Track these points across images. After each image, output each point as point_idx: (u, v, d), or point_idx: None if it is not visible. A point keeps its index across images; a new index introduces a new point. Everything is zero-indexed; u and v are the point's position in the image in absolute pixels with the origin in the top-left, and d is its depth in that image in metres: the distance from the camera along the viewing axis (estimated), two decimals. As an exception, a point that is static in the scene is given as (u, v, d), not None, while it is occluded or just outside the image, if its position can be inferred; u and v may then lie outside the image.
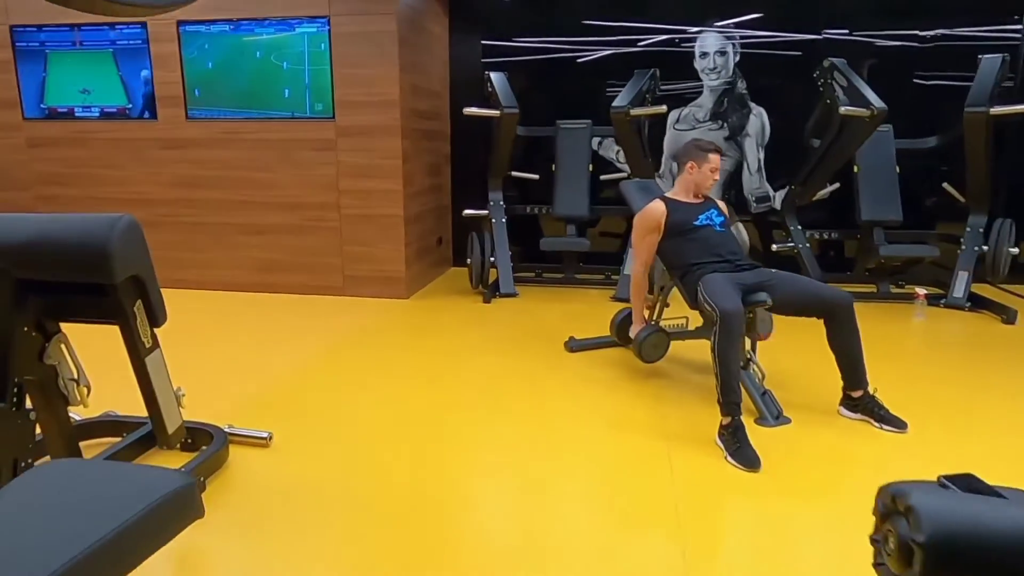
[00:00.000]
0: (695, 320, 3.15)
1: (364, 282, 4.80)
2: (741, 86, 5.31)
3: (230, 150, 4.79)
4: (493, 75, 4.79)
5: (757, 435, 2.44)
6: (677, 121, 5.45)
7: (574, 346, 3.61)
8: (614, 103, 4.41)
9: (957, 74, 4.96)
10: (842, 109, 4.08)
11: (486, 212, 5.05)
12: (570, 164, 5.17)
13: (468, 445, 2.55)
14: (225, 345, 3.79)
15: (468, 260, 4.88)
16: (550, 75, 5.56)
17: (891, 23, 5.07)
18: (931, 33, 5.05)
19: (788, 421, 2.68)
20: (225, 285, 4.98)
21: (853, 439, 2.57)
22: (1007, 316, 4.14)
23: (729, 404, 2.42)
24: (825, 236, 5.10)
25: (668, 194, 3.12)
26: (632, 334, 3.11)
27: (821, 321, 2.68)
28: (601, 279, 5.29)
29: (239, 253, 4.94)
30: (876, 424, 2.63)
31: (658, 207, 3.00)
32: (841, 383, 2.72)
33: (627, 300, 4.51)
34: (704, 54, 5.31)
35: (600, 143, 5.56)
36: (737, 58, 5.28)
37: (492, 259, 4.93)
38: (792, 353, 3.47)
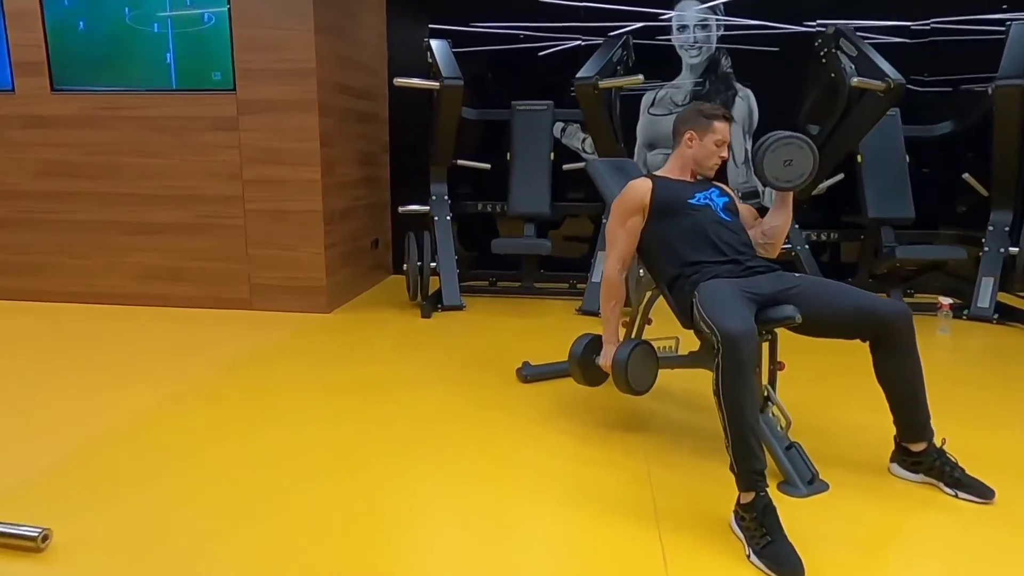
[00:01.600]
0: (688, 342, 2.35)
1: (276, 293, 3.92)
2: (725, 64, 4.59)
3: (107, 130, 3.88)
4: (434, 43, 3.98)
5: (784, 509, 1.64)
6: (652, 105, 4.71)
7: (528, 374, 2.79)
8: (578, 74, 3.63)
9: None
10: (853, 80, 3.36)
11: (427, 209, 4.21)
12: (528, 153, 4.38)
13: (381, 526, 1.70)
14: (65, 379, 2.87)
15: (404, 266, 4.04)
16: (509, 58, 4.77)
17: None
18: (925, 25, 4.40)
19: (825, 487, 1.90)
20: (104, 297, 4.04)
21: (920, 514, 1.80)
22: None
23: (748, 474, 1.63)
24: (824, 237, 4.40)
25: (656, 172, 2.33)
26: (603, 360, 2.30)
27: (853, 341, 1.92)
28: (565, 288, 4.50)
29: (121, 258, 4.01)
30: (948, 490, 1.86)
31: (642, 184, 2.22)
32: (894, 431, 1.96)
33: (595, 313, 3.73)
34: (682, 27, 4.58)
35: (563, 129, 4.78)
36: (720, 31, 4.56)
37: (434, 264, 4.09)
38: (815, 378, 2.70)
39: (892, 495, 1.88)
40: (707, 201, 2.17)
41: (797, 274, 2.08)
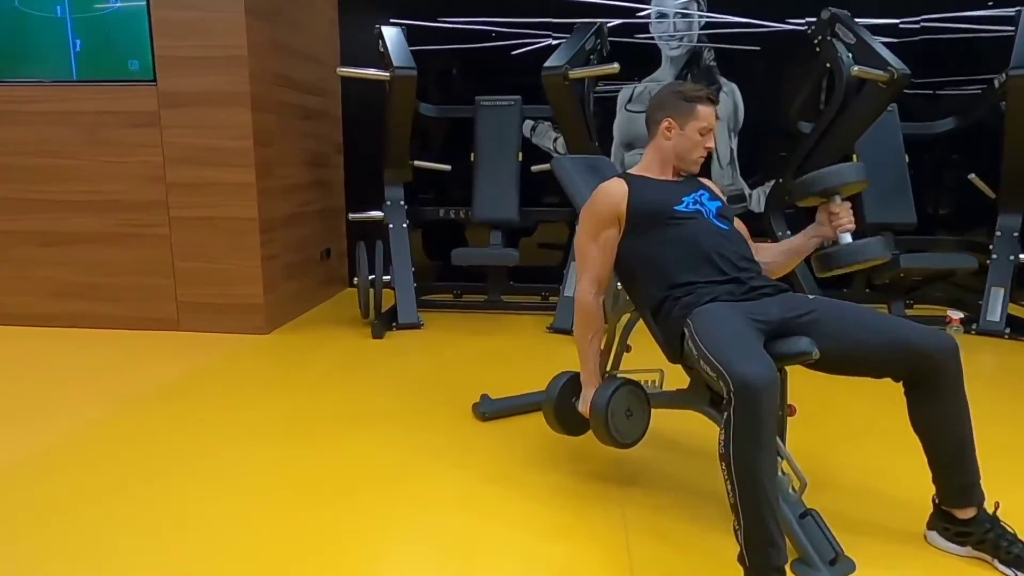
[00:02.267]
0: (675, 376, 1.94)
1: (206, 312, 3.45)
2: (708, 56, 4.22)
3: (10, 127, 3.39)
4: (386, 30, 3.55)
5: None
6: (630, 100, 4.32)
7: (487, 411, 2.37)
8: (547, 63, 3.23)
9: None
10: (855, 69, 3.00)
11: (380, 215, 3.78)
12: (493, 153, 3.96)
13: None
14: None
15: (354, 280, 3.60)
16: (476, 53, 4.36)
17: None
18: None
19: (851, 568, 1.49)
20: (9, 318, 3.54)
21: (974, 605, 1.41)
22: None
23: (762, 563, 1.22)
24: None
25: (631, 170, 1.93)
26: (581, 405, 1.86)
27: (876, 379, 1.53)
28: (536, 302, 4.08)
29: (28, 272, 3.52)
30: (1006, 571, 1.46)
31: (616, 187, 1.81)
32: (933, 490, 1.56)
33: (567, 331, 3.32)
34: (662, 16, 4.20)
35: (533, 128, 4.37)
36: (702, 21, 4.19)
37: (389, 278, 3.66)
38: (830, 416, 2.31)
39: (935, 573, 1.49)
40: (697, 207, 1.77)
41: (811, 296, 1.68)
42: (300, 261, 3.87)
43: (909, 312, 3.76)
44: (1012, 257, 3.51)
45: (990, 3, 4.01)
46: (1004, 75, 3.45)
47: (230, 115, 3.25)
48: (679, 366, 1.73)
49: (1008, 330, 3.40)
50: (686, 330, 1.54)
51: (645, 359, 2.03)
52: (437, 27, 4.34)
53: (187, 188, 3.35)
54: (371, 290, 3.54)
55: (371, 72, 3.42)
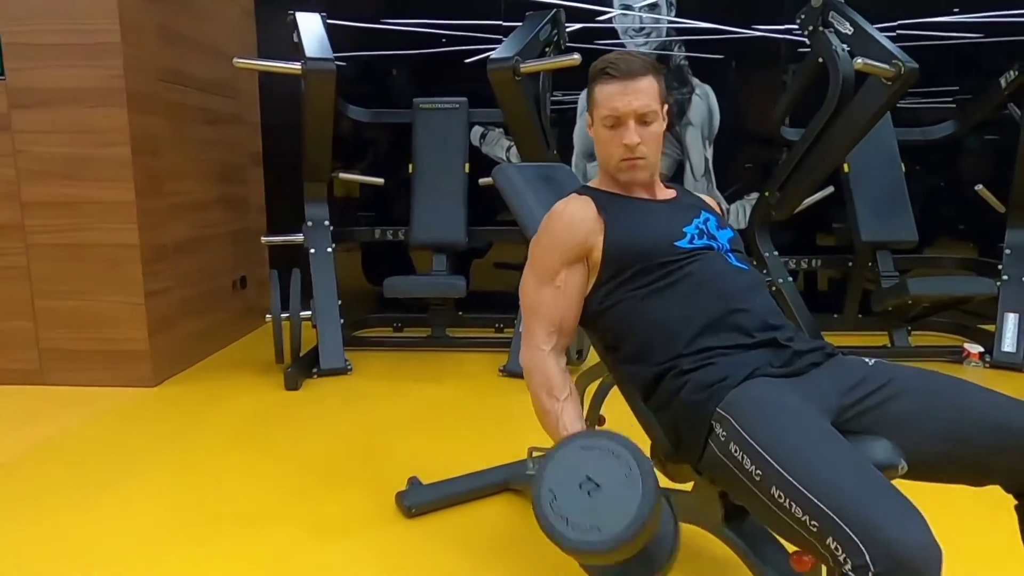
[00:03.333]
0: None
1: (77, 360, 2.78)
2: (679, 55, 3.75)
3: None
4: (301, 16, 2.95)
5: None
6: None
7: (413, 504, 1.77)
8: (493, 54, 2.68)
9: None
10: (858, 61, 2.53)
11: (300, 238, 3.16)
12: (435, 164, 3.40)
13: None
14: None
15: (267, 316, 2.97)
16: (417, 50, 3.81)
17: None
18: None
19: None
20: None
21: None
22: None
23: None
24: (803, 264, 3.58)
25: (593, 183, 1.37)
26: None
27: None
28: (490, 336, 3.52)
29: None
30: None
31: (580, 209, 1.27)
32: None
33: (519, 374, 2.77)
34: (626, 8, 3.72)
35: (483, 135, 3.83)
36: (673, 13, 3.72)
37: (310, 313, 3.04)
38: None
39: None
40: (706, 240, 1.22)
41: (868, 360, 1.15)
42: (204, 294, 3.23)
43: (918, 343, 3.31)
44: (1025, 279, 3.09)
45: (955, 9, 3.69)
46: (1013, 72, 3.05)
47: (101, 117, 2.61)
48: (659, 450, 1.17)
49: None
50: (718, 426, 1.00)
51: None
52: (379, 29, 3.80)
53: (48, 208, 2.69)
54: (290, 328, 2.92)
55: (277, 65, 2.82)
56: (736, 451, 0.96)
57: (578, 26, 3.64)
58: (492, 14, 3.74)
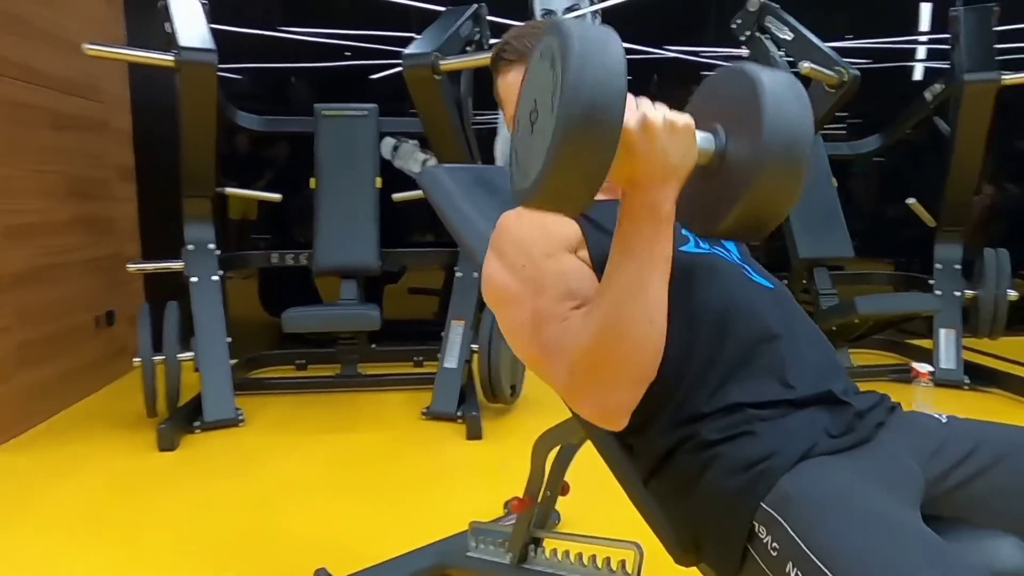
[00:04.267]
0: (655, 552, 1.03)
1: None
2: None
3: None
4: (174, 1, 2.48)
5: None
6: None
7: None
8: (409, 49, 2.33)
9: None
10: (805, 66, 2.36)
11: (180, 265, 2.65)
12: (341, 178, 2.99)
13: None
14: None
15: (136, 359, 2.44)
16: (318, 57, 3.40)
17: None
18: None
19: None
20: None
21: None
22: None
23: None
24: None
25: None
26: None
27: None
28: (408, 372, 3.11)
29: None
30: None
31: (548, 216, 0.90)
32: None
33: (449, 416, 2.41)
34: (548, 12, 3.47)
35: (396, 148, 3.44)
36: (598, 21, 3.50)
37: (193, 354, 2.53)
38: None
39: None
40: (713, 248, 0.91)
41: (934, 413, 0.87)
42: (54, 335, 2.65)
43: (862, 364, 3.18)
44: (958, 293, 3.03)
45: (848, 36, 3.76)
46: (938, 86, 3.02)
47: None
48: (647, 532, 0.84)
49: (967, 380, 2.89)
50: (763, 530, 0.68)
51: (591, 501, 1.13)
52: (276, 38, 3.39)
53: None
54: (166, 372, 2.41)
55: (141, 54, 2.33)
56: (794, 571, 0.64)
57: (495, 42, 3.36)
58: (401, 25, 3.40)
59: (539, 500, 1.23)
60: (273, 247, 3.32)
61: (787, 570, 0.64)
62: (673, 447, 0.79)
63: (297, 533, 1.70)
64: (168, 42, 2.44)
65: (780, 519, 0.66)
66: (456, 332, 2.65)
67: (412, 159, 3.47)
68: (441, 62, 2.27)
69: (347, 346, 2.95)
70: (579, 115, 0.60)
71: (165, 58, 2.28)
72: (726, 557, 0.73)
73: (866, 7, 3.90)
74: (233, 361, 2.55)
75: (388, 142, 3.40)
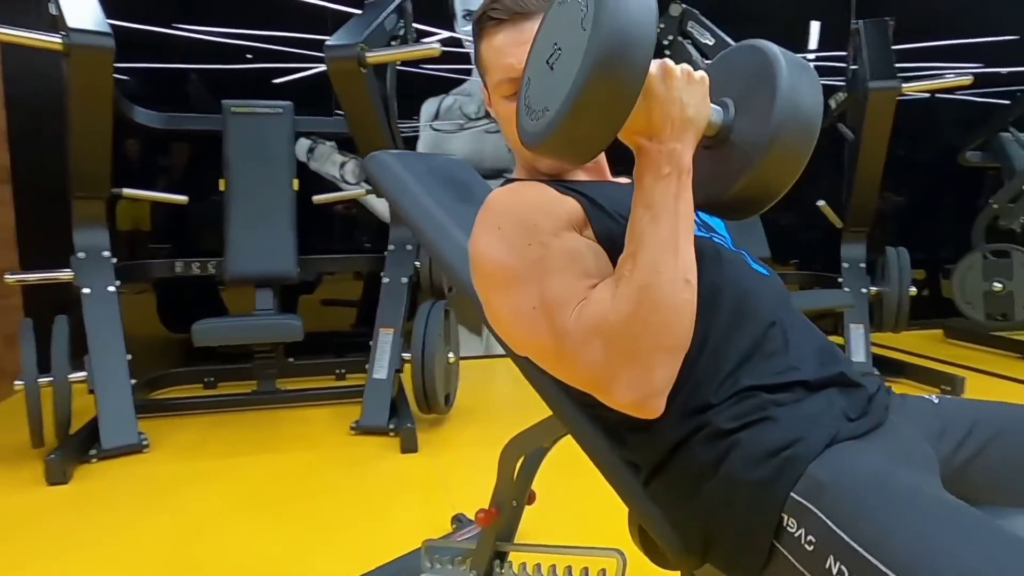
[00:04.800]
0: (638, 562, 0.97)
1: None
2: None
3: None
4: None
5: None
6: (437, 117, 3.43)
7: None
8: (331, 40, 2.19)
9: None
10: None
11: (69, 275, 2.37)
12: (254, 180, 2.79)
13: None
14: None
15: (17, 382, 2.14)
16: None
17: None
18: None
19: None
20: None
21: None
22: (952, 387, 2.81)
23: None
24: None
25: (518, 173, 0.96)
26: None
27: None
28: (331, 385, 2.94)
29: None
30: None
31: (538, 188, 0.84)
32: None
33: (381, 429, 2.29)
34: (469, 14, 3.41)
35: (311, 150, 3.27)
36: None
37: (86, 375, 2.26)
38: None
39: None
40: (709, 233, 0.86)
41: (933, 397, 0.85)
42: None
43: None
44: (864, 290, 3.21)
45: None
46: (841, 95, 3.20)
47: None
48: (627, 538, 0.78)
49: (878, 373, 3.05)
50: (794, 523, 0.63)
51: (562, 508, 1.06)
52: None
53: None
54: (54, 396, 2.12)
55: (18, 33, 2.05)
56: (836, 566, 0.59)
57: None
58: (319, 26, 3.22)
59: (510, 505, 1.14)
60: (173, 256, 3.04)
61: (827, 565, 0.59)
62: (682, 440, 0.73)
63: (219, 570, 1.53)
64: (53, 24, 2.18)
65: (815, 509, 0.62)
66: (385, 341, 2.52)
67: (329, 161, 3.32)
68: (367, 54, 2.14)
69: (264, 360, 2.74)
70: (611, 48, 0.59)
71: (52, 40, 2.02)
72: (748, 555, 0.67)
73: (767, 25, 4.10)
74: (130, 382, 2.29)
75: (303, 143, 3.23)
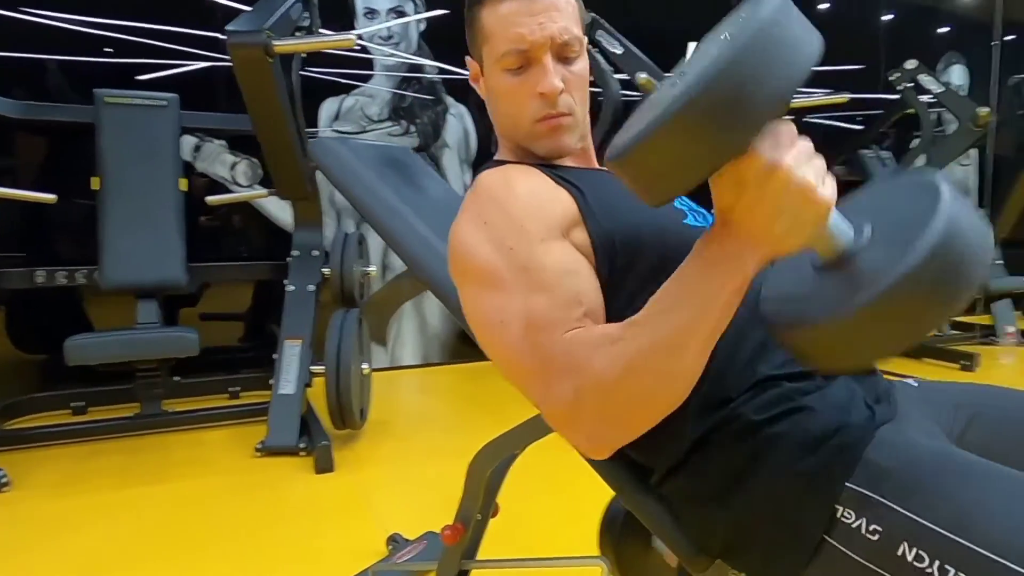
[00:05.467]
0: None
1: None
2: (431, 69, 3.44)
3: None
4: None
5: None
6: (337, 118, 3.27)
7: None
8: (233, 24, 2.01)
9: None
10: (641, 77, 2.48)
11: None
12: (134, 179, 2.51)
13: None
14: None
15: None
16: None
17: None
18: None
19: None
20: None
21: None
22: (971, 362, 3.09)
23: None
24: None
25: (501, 156, 0.89)
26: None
27: None
28: (228, 405, 2.68)
29: None
30: None
31: (530, 176, 0.78)
32: None
33: (290, 449, 2.12)
34: (371, 12, 3.29)
35: (197, 148, 3.00)
36: (423, 26, 3.39)
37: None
38: None
39: None
40: (704, 221, 0.83)
41: (911, 381, 0.87)
42: None
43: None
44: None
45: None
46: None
47: None
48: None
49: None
50: (851, 514, 0.61)
51: (525, 514, 1.00)
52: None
53: None
54: None
55: None
56: (911, 552, 0.57)
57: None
58: (207, 20, 2.96)
59: (477, 517, 1.06)
60: (30, 265, 2.66)
61: (900, 552, 0.57)
62: (704, 437, 0.69)
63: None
64: None
65: (879, 497, 0.60)
66: (292, 353, 2.34)
67: (219, 161, 3.06)
68: (275, 42, 1.98)
69: (148, 380, 2.45)
70: (716, 92, 0.48)
71: None
72: (790, 552, 0.64)
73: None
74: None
75: (188, 141, 2.96)
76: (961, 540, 0.55)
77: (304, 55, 2.46)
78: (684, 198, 0.87)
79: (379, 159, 1.09)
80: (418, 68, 3.38)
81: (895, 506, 0.59)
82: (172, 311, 2.98)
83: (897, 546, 0.58)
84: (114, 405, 2.59)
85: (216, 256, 3.11)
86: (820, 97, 3.36)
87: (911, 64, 3.47)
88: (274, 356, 2.36)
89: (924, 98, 3.45)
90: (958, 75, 4.97)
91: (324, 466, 2.06)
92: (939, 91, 3.36)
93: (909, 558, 0.57)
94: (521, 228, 0.71)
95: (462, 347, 3.51)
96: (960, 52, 5.01)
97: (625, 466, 0.79)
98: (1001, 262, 3.98)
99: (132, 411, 2.48)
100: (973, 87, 5.00)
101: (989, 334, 3.90)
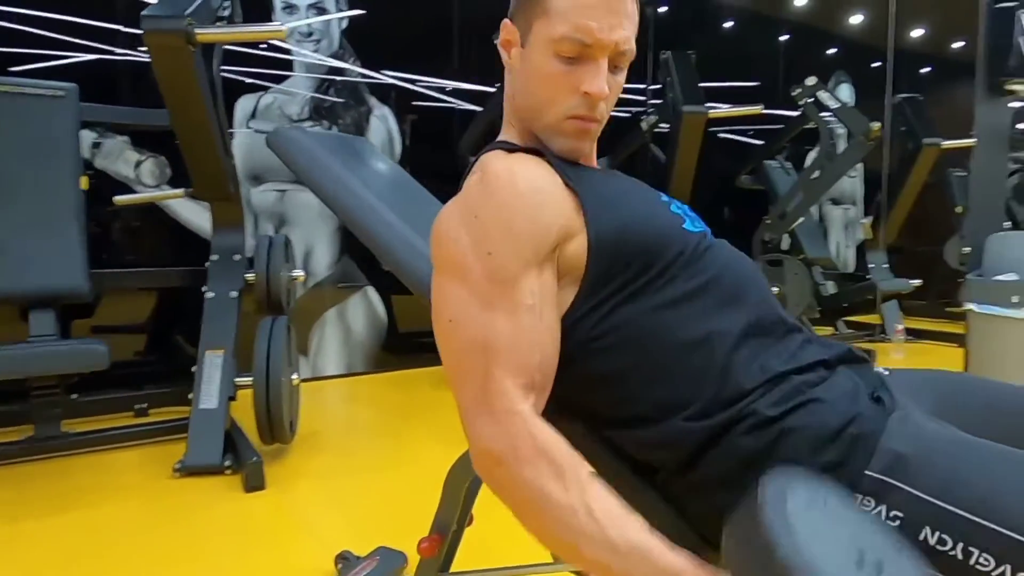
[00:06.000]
0: None
1: None
2: (354, 67, 3.33)
3: None
4: None
5: None
6: (254, 116, 3.10)
7: None
8: (150, 9, 1.85)
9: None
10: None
11: None
12: (24, 176, 2.26)
13: None
14: None
15: None
16: None
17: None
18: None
19: None
20: None
21: None
22: None
23: None
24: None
25: (508, 136, 0.85)
26: None
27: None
28: (135, 424, 2.46)
29: None
30: None
31: (540, 172, 0.75)
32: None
33: (213, 468, 1.98)
34: (290, 8, 3.14)
35: (97, 145, 2.75)
36: (345, 24, 3.28)
37: None
38: None
39: None
40: (702, 226, 0.84)
41: (885, 369, 0.91)
42: None
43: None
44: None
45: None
46: (652, 117, 3.51)
47: None
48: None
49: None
50: (871, 501, 0.62)
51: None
52: None
53: None
54: None
55: None
56: (934, 536, 0.58)
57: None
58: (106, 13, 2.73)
59: (454, 527, 1.01)
60: None
61: (922, 536, 0.58)
62: (718, 432, 0.69)
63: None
64: None
65: (899, 484, 0.61)
66: (213, 364, 2.18)
67: (122, 159, 2.84)
68: (197, 31, 1.84)
69: (44, 399, 2.20)
70: None
71: None
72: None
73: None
74: None
75: (86, 136, 2.72)
76: (983, 521, 0.57)
77: (224, 47, 2.31)
78: (680, 203, 0.88)
79: (339, 146, 1.03)
80: (340, 68, 3.27)
81: (917, 492, 0.61)
82: (64, 323, 2.71)
83: (919, 531, 0.59)
84: (3, 428, 2.32)
85: (117, 262, 2.87)
86: (736, 108, 3.53)
87: (811, 81, 3.72)
88: (192, 369, 2.19)
89: (823, 114, 3.71)
90: (845, 93, 5.39)
91: (255, 483, 1.93)
92: (836, 107, 3.62)
93: (932, 542, 0.59)
94: (507, 234, 0.70)
95: (386, 356, 3.41)
96: (847, 72, 5.44)
97: (625, 464, 0.77)
98: (887, 266, 4.33)
99: (24, 434, 2.22)
100: (858, 104, 5.43)
101: (880, 332, 4.23)
